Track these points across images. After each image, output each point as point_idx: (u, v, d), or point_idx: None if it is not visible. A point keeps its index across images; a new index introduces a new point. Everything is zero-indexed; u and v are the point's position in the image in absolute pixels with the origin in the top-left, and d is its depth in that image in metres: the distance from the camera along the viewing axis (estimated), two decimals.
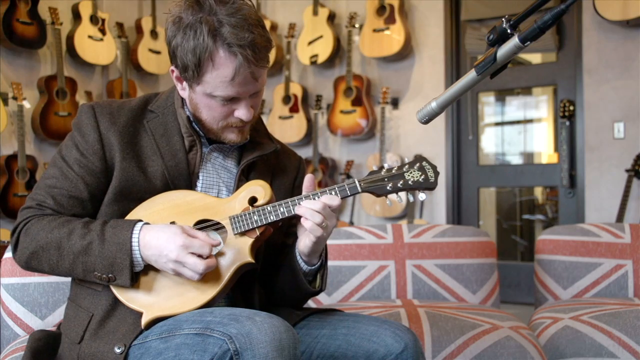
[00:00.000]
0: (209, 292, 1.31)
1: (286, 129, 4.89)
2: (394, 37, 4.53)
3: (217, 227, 1.37)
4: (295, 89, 4.94)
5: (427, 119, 1.19)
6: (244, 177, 1.47)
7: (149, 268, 1.34)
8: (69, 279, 1.49)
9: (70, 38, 4.37)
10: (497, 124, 5.06)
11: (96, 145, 1.37)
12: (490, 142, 5.04)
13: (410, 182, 1.36)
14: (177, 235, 1.28)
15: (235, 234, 1.35)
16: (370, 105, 4.71)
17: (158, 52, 4.88)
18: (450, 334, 1.91)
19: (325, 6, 4.90)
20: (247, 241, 1.35)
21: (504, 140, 5.04)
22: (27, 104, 4.02)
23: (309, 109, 4.98)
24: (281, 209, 1.34)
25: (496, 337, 1.90)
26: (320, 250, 1.41)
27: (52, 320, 1.84)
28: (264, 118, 5.07)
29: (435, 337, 1.90)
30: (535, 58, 4.92)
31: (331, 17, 4.87)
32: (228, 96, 1.34)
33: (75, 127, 1.40)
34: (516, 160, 5.05)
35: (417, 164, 1.37)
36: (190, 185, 1.42)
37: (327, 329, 1.40)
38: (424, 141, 4.68)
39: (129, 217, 1.37)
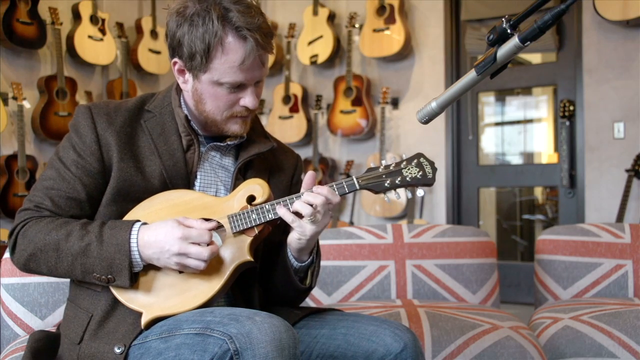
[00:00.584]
0: (209, 290, 1.31)
1: (286, 129, 4.89)
2: (394, 37, 4.53)
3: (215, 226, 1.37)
4: (295, 89, 4.94)
5: (427, 119, 1.19)
6: (241, 175, 1.47)
7: (148, 268, 1.34)
8: (69, 279, 1.49)
9: (70, 38, 4.37)
10: (497, 124, 5.06)
11: (93, 146, 1.37)
12: (490, 142, 5.04)
13: (408, 179, 1.36)
14: (174, 228, 1.28)
15: (233, 233, 1.35)
16: (370, 105, 4.71)
17: (158, 52, 4.88)
18: (450, 334, 1.91)
19: (325, 6, 4.90)
20: (246, 240, 1.35)
21: (504, 140, 5.04)
22: (27, 104, 4.02)
23: (309, 109, 4.98)
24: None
25: (496, 337, 1.90)
26: (311, 247, 1.41)
27: (52, 320, 1.84)
28: (264, 118, 5.07)
29: (435, 337, 1.90)
30: (535, 58, 4.92)
31: (331, 17, 4.87)
32: (235, 82, 1.35)
33: (73, 129, 1.40)
34: (516, 160, 5.05)
35: (415, 161, 1.37)
36: (189, 184, 1.42)
37: (326, 328, 1.40)
38: (424, 141, 4.68)
39: (127, 217, 1.37)
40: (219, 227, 1.37)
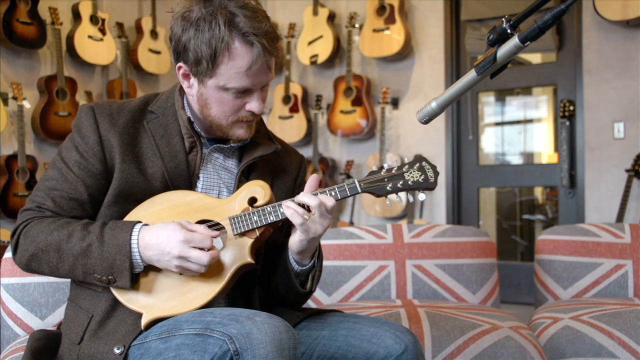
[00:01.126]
0: (209, 292, 1.31)
1: (286, 129, 4.89)
2: (394, 37, 4.53)
3: (216, 227, 1.37)
4: (295, 89, 4.94)
5: (427, 119, 1.19)
6: (244, 177, 1.47)
7: (148, 269, 1.34)
8: (69, 279, 1.49)
9: (70, 38, 4.37)
10: (497, 124, 5.06)
11: (96, 147, 1.36)
12: (490, 142, 5.04)
13: (410, 183, 1.36)
14: (177, 231, 1.28)
15: (235, 235, 1.35)
16: (370, 105, 4.71)
17: (158, 52, 4.88)
18: (450, 334, 1.91)
19: (325, 6, 4.90)
20: (247, 242, 1.35)
21: (504, 140, 5.04)
22: (27, 104, 4.02)
23: (309, 109, 4.98)
24: (281, 210, 1.34)
25: (496, 337, 1.90)
26: (311, 250, 1.41)
27: (52, 320, 1.84)
28: (264, 118, 5.06)
29: (435, 337, 1.90)
30: (535, 58, 4.92)
31: (331, 17, 4.87)
32: (242, 87, 1.34)
33: (75, 129, 1.39)
34: (516, 160, 5.05)
35: (417, 164, 1.37)
36: (190, 186, 1.42)
37: (327, 330, 1.40)
38: (424, 141, 4.68)
39: (128, 217, 1.37)
40: (220, 228, 1.37)
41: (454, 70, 4.65)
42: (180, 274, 1.33)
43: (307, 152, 4.90)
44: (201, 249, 1.28)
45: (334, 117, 4.77)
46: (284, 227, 1.44)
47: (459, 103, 4.67)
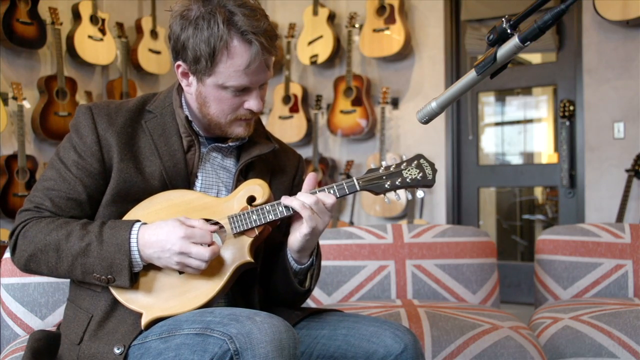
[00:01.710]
0: (209, 292, 1.31)
1: (286, 129, 4.89)
2: (394, 37, 4.53)
3: (215, 226, 1.37)
4: (295, 89, 4.94)
5: (427, 119, 1.19)
6: (242, 177, 1.47)
7: (148, 268, 1.34)
8: (69, 280, 1.49)
9: (70, 38, 4.37)
10: (497, 124, 5.06)
11: (94, 147, 1.36)
12: (490, 142, 5.04)
13: (408, 180, 1.36)
14: (177, 227, 1.28)
15: (234, 234, 1.35)
16: (370, 105, 4.71)
17: (158, 52, 4.88)
18: (450, 334, 1.91)
19: (325, 6, 4.90)
20: (246, 240, 1.35)
21: (504, 140, 5.04)
22: (27, 104, 4.02)
23: (309, 109, 4.98)
24: (280, 208, 1.34)
25: (496, 337, 1.90)
26: (310, 248, 1.41)
27: (52, 320, 1.84)
28: (264, 118, 5.07)
29: (435, 337, 1.90)
30: (535, 58, 4.92)
31: (331, 17, 4.87)
32: (240, 86, 1.34)
33: (73, 129, 1.39)
34: (516, 160, 5.05)
35: (415, 162, 1.37)
36: (189, 185, 1.42)
37: (327, 329, 1.40)
38: (424, 141, 4.68)
39: (126, 217, 1.37)
40: (220, 227, 1.37)
41: (454, 70, 4.65)
42: (180, 273, 1.33)
43: (307, 152, 4.90)
44: (201, 244, 1.28)
45: (334, 117, 4.77)
46: (283, 225, 1.44)
47: (459, 103, 4.67)
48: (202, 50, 1.30)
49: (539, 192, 5.07)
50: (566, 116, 4.15)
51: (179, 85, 1.45)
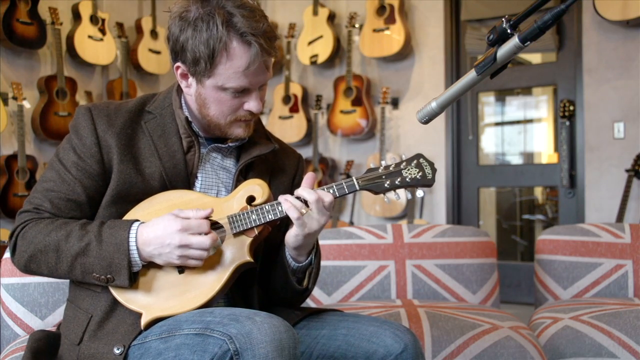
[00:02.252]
0: (208, 292, 1.31)
1: (286, 129, 4.89)
2: (394, 37, 4.53)
3: (215, 226, 1.37)
4: (295, 89, 4.94)
5: (427, 119, 1.19)
6: (242, 177, 1.47)
7: (147, 268, 1.34)
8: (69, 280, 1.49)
9: (70, 38, 4.37)
10: (497, 124, 5.06)
11: (94, 148, 1.36)
12: (490, 142, 5.04)
13: (407, 179, 1.36)
14: (172, 221, 1.28)
15: (233, 234, 1.35)
16: (370, 105, 4.71)
17: (158, 52, 4.88)
18: (450, 334, 1.91)
19: (325, 6, 4.90)
20: (246, 240, 1.35)
21: (504, 140, 5.04)
22: (27, 104, 4.02)
23: (309, 109, 4.98)
24: (279, 208, 1.34)
25: (496, 337, 1.90)
26: (308, 247, 1.41)
27: (52, 320, 1.84)
28: (264, 118, 5.07)
29: (435, 337, 1.90)
30: (535, 58, 4.92)
31: (331, 17, 4.87)
32: (240, 87, 1.34)
33: (73, 130, 1.39)
34: (516, 160, 5.05)
35: (415, 161, 1.37)
36: (189, 186, 1.42)
37: (326, 329, 1.40)
38: (424, 141, 4.68)
39: (126, 217, 1.37)
40: (219, 227, 1.37)
41: (454, 70, 4.65)
42: (180, 272, 1.33)
43: (307, 152, 4.90)
44: (200, 234, 1.28)
45: (334, 117, 4.77)
46: (283, 225, 1.44)
47: (459, 103, 4.67)
48: (201, 52, 1.30)
49: (539, 192, 5.07)
50: (566, 116, 4.15)
51: (179, 85, 1.44)
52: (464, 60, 4.66)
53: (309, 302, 2.35)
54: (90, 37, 4.44)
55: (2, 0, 3.89)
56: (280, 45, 5.03)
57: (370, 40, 4.61)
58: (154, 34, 4.87)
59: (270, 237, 1.42)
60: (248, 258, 1.34)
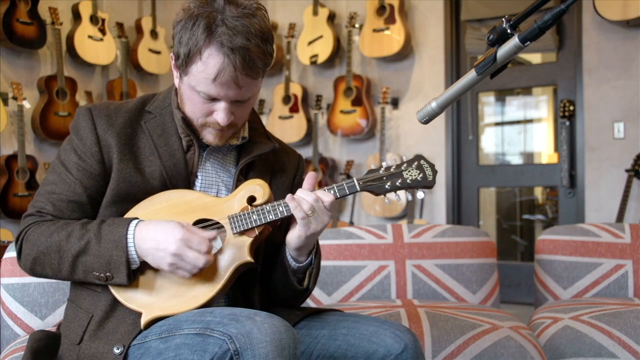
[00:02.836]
0: (208, 292, 1.31)
1: (286, 129, 4.89)
2: (394, 37, 4.53)
3: (215, 226, 1.37)
4: (295, 89, 4.94)
5: (427, 119, 1.19)
6: (242, 176, 1.47)
7: (148, 268, 1.34)
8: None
9: (70, 38, 4.37)
10: (497, 124, 5.06)
11: (94, 147, 1.37)
12: (490, 142, 5.04)
13: (408, 181, 1.36)
14: (176, 229, 1.28)
15: (234, 234, 1.35)
16: (370, 105, 4.71)
17: (158, 52, 4.88)
18: (450, 334, 1.91)
19: (325, 6, 4.90)
20: (246, 240, 1.35)
21: (504, 140, 5.04)
22: (27, 104, 4.02)
23: (309, 109, 4.98)
24: (280, 208, 1.34)
25: (496, 337, 1.90)
26: (309, 247, 1.41)
27: (52, 320, 1.84)
28: (264, 118, 5.07)
29: (435, 337, 1.90)
30: (535, 58, 4.92)
31: (331, 17, 4.87)
32: (208, 94, 1.33)
33: (73, 131, 1.40)
34: (516, 160, 5.05)
35: (415, 163, 1.37)
36: (189, 185, 1.42)
37: (326, 329, 1.40)
38: (424, 141, 4.68)
39: (126, 216, 1.37)
40: (219, 227, 1.37)
41: (454, 70, 4.65)
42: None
43: (307, 152, 4.90)
44: (198, 251, 1.28)
45: (334, 117, 4.77)
46: (284, 225, 1.44)
47: (459, 103, 4.67)
48: (181, 49, 1.31)
49: (539, 192, 5.07)
50: (566, 116, 4.15)
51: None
52: (464, 60, 4.66)
53: (309, 302, 2.36)
54: (90, 37, 4.44)
55: (2, 0, 3.89)
56: (280, 45, 5.03)
57: (370, 40, 4.61)
58: (154, 34, 4.87)
59: (270, 237, 1.42)
60: (248, 258, 1.34)
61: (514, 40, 1.04)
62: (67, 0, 4.45)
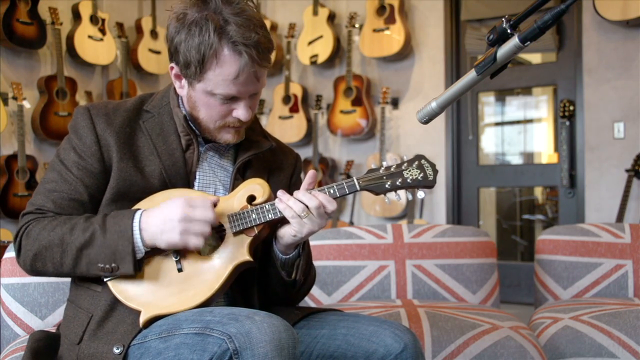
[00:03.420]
0: (207, 290, 1.31)
1: (286, 129, 4.89)
2: (394, 37, 4.53)
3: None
4: (295, 89, 4.94)
5: (427, 119, 1.19)
6: (240, 175, 1.47)
7: (148, 266, 1.34)
8: (69, 279, 1.49)
9: (70, 38, 4.37)
10: (497, 124, 5.06)
11: (93, 146, 1.37)
12: (490, 142, 5.04)
13: (409, 180, 1.36)
14: (176, 199, 1.30)
15: (233, 233, 1.35)
16: (370, 105, 4.71)
17: (158, 52, 4.88)
18: (450, 334, 1.91)
19: (325, 6, 4.90)
20: (245, 240, 1.35)
21: (504, 140, 5.04)
22: (27, 104, 4.02)
23: (309, 109, 4.98)
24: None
25: (496, 337, 1.90)
26: (299, 243, 1.42)
27: (52, 320, 1.84)
28: (264, 118, 5.07)
29: (435, 337, 1.90)
30: (535, 58, 4.92)
31: (331, 17, 4.87)
32: (228, 95, 1.34)
33: (72, 130, 1.40)
34: (516, 160, 5.05)
35: (416, 162, 1.37)
36: (188, 184, 1.42)
37: (326, 329, 1.40)
38: (424, 141, 4.68)
39: None
40: (219, 226, 1.37)
41: (454, 70, 4.65)
42: (179, 270, 1.32)
43: (307, 152, 4.90)
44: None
45: (334, 117, 4.77)
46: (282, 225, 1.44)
47: (459, 103, 4.67)
48: (192, 56, 1.30)
49: (539, 192, 5.07)
50: (566, 116, 4.16)
51: None
52: (464, 60, 4.66)
53: (309, 302, 2.36)
54: (90, 37, 4.44)
55: (2, 0, 3.89)
56: (280, 45, 5.03)
57: (370, 40, 4.61)
58: (154, 34, 4.87)
59: (269, 236, 1.42)
60: (247, 257, 1.34)
61: (514, 40, 1.04)
62: (67, 0, 4.45)
